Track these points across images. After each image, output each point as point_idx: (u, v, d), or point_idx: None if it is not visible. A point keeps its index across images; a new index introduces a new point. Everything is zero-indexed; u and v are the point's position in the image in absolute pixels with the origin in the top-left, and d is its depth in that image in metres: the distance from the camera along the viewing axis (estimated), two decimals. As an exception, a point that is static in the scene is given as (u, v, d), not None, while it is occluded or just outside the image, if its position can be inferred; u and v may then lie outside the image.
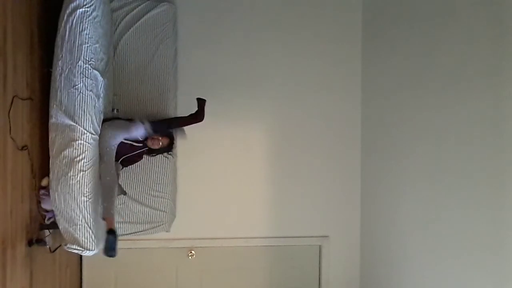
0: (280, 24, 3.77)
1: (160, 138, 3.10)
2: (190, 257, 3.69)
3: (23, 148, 2.53)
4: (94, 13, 2.75)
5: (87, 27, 2.69)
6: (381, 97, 3.53)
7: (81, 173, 2.65)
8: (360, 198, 3.84)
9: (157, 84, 3.44)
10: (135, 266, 3.66)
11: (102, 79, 2.83)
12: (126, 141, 2.96)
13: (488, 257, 2.24)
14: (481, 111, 2.29)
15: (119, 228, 3.42)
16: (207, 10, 3.69)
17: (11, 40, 2.42)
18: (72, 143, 2.62)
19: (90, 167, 2.69)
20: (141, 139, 2.98)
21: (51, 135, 2.67)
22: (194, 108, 3.17)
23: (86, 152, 2.65)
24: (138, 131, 2.93)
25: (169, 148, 3.20)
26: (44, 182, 2.81)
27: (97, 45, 2.80)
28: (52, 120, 2.65)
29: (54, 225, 2.84)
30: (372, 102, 3.69)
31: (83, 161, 2.64)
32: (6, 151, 2.37)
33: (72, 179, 2.63)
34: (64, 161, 2.63)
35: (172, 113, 3.46)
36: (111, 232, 2.76)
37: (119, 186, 3.05)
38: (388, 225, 3.35)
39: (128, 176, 3.40)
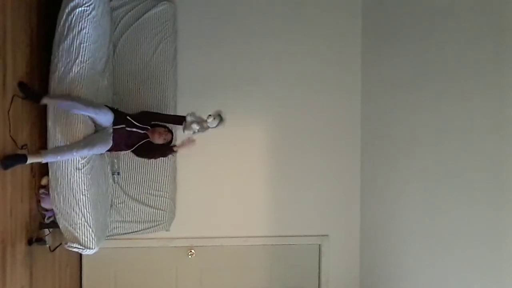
0: (280, 23, 3.76)
1: (166, 132, 3.05)
2: (190, 256, 3.69)
3: (22, 147, 2.53)
4: (94, 12, 2.75)
5: (86, 26, 2.68)
6: (381, 96, 3.52)
7: (80, 172, 2.65)
8: (360, 197, 3.84)
9: (157, 83, 3.44)
10: (135, 265, 3.66)
11: (100, 78, 2.83)
12: (128, 129, 2.95)
13: (488, 256, 2.24)
14: (481, 111, 2.29)
15: (120, 228, 3.43)
16: (207, 9, 3.68)
17: (11, 39, 2.41)
18: (72, 142, 2.62)
19: (89, 166, 2.69)
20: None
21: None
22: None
23: (85, 151, 2.65)
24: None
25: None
26: (43, 181, 2.81)
27: (96, 44, 2.80)
28: (50, 120, 2.64)
29: (53, 224, 2.84)
30: (372, 102, 3.69)
31: (82, 160, 2.64)
32: (6, 150, 2.37)
33: (72, 177, 2.63)
34: (63, 160, 2.63)
35: (171, 112, 3.45)
36: None
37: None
38: (388, 224, 3.35)
39: (128, 175, 3.40)
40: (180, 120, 3.10)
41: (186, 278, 3.74)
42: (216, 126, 3.00)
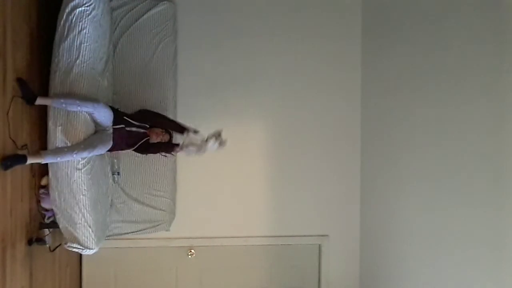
0: (280, 23, 3.76)
1: (163, 133, 3.08)
2: (190, 256, 3.69)
3: (22, 147, 2.53)
4: (94, 12, 2.75)
5: (86, 26, 2.68)
6: (380, 96, 3.52)
7: (80, 172, 2.65)
8: (360, 197, 3.84)
9: (157, 83, 3.45)
10: (135, 265, 3.66)
11: (100, 78, 2.83)
12: (128, 129, 2.95)
13: (487, 256, 2.24)
14: (481, 111, 2.29)
15: (120, 228, 3.43)
16: (207, 9, 3.68)
17: (11, 39, 2.41)
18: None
19: (89, 166, 2.69)
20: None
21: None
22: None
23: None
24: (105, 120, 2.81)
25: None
26: (43, 181, 2.81)
27: (96, 44, 2.80)
28: (51, 120, 2.65)
29: (53, 224, 2.84)
30: (372, 102, 3.69)
31: (82, 160, 2.64)
32: (6, 151, 2.37)
33: (71, 177, 2.64)
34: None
35: (171, 112, 3.46)
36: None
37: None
38: (388, 224, 3.35)
39: (128, 175, 3.40)
40: (179, 129, 3.10)
41: (186, 278, 3.74)
42: (217, 149, 2.91)
